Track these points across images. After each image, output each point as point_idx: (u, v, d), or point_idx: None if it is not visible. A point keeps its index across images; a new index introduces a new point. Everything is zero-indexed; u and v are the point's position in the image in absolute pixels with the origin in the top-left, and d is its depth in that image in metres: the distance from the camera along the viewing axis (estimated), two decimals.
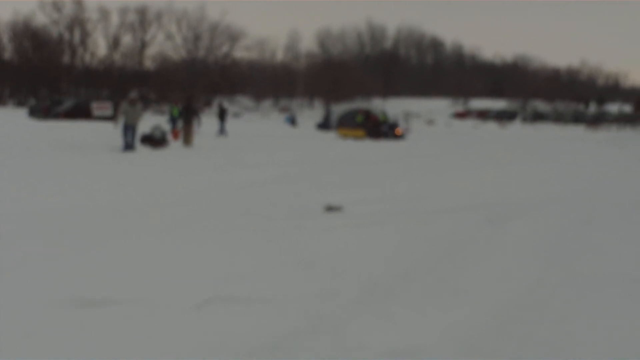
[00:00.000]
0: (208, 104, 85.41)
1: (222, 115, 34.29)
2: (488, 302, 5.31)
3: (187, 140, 23.23)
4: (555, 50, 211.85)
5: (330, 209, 9.74)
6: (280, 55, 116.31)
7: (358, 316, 4.85)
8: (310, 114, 79.92)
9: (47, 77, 70.12)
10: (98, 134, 22.39)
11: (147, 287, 5.33)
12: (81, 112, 41.40)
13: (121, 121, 20.45)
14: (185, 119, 23.89)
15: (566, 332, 4.68)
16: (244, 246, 7.05)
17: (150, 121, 27.02)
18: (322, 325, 4.61)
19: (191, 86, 77.44)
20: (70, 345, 4.09)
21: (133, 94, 21.94)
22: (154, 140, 21.73)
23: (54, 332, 4.30)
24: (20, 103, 68.84)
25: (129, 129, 20.27)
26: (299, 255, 6.61)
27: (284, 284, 5.60)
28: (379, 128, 35.73)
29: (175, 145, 22.65)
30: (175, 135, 23.95)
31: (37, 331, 4.31)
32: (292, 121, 56.17)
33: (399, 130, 36.12)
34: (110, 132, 21.99)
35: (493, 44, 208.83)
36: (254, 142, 27.06)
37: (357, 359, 4.05)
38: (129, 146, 20.15)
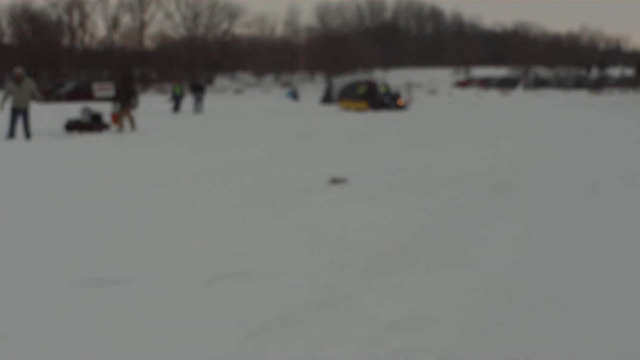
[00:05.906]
0: (210, 81, 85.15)
1: (195, 91, 32.46)
2: (497, 271, 5.33)
3: (132, 125, 20.05)
4: (555, 16, 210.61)
5: (335, 181, 9.75)
6: (280, 31, 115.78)
7: (368, 288, 4.88)
8: (312, 88, 79.68)
9: (48, 60, 69.83)
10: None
11: (156, 266, 5.36)
12: (83, 93, 41.46)
13: (7, 103, 17.27)
14: (122, 100, 20.43)
15: (575, 298, 4.70)
16: (251, 222, 7.08)
17: (151, 101, 26.91)
18: (332, 298, 4.63)
19: (192, 64, 77.18)
20: (82, 325, 4.12)
21: (18, 69, 17.35)
22: (83, 125, 18.71)
23: (67, 313, 4.33)
24: None
25: (17, 113, 16.94)
26: (307, 229, 6.64)
27: (293, 258, 5.62)
28: (382, 99, 35.51)
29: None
30: (115, 119, 20.03)
31: (50, 312, 4.34)
32: (294, 96, 55.99)
33: (401, 101, 35.92)
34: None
35: (493, 12, 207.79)
36: (256, 117, 27.00)
37: (368, 330, 4.07)
38: (12, 134, 16.80)
